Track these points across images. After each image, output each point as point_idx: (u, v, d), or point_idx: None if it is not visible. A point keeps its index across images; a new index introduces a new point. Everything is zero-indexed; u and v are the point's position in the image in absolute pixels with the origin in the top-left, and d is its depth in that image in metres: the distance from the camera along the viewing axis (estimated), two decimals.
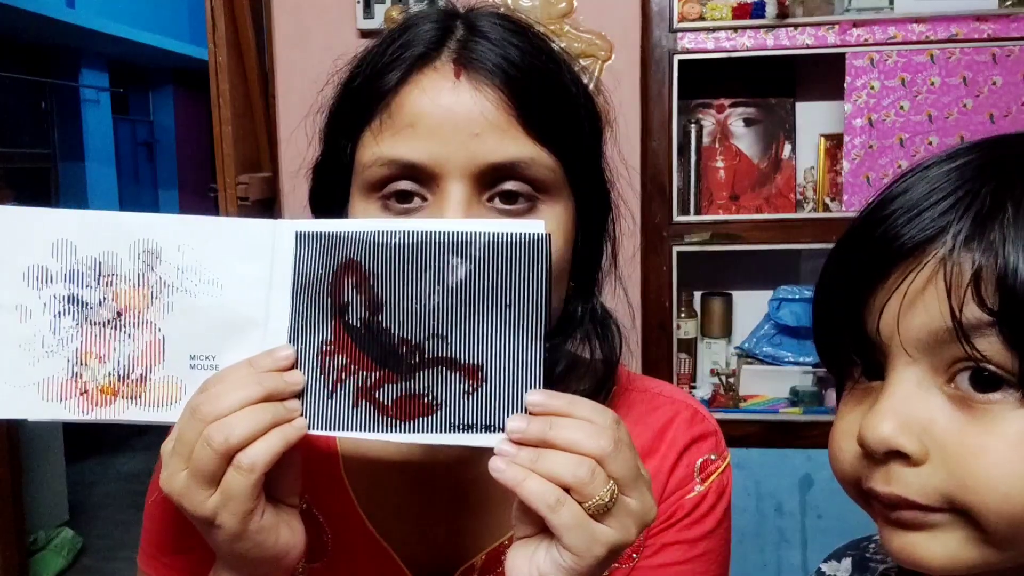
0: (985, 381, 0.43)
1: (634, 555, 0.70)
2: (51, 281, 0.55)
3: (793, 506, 1.96)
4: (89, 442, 4.64)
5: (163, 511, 0.71)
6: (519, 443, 0.51)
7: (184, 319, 0.56)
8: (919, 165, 0.49)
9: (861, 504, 0.52)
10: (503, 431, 0.52)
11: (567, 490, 0.49)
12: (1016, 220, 0.42)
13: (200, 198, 7.90)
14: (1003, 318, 0.42)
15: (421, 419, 0.54)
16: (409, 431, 0.54)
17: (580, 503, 0.49)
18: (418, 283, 0.54)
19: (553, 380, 0.69)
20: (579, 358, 0.72)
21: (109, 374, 0.56)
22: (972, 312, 0.42)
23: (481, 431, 0.53)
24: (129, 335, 0.56)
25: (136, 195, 7.91)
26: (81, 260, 0.55)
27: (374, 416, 0.55)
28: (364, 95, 0.63)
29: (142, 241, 0.56)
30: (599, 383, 0.71)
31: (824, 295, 0.52)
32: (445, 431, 0.54)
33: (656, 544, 0.70)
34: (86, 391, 0.56)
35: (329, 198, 0.68)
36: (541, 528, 0.51)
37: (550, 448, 0.50)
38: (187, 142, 8.29)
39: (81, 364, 0.56)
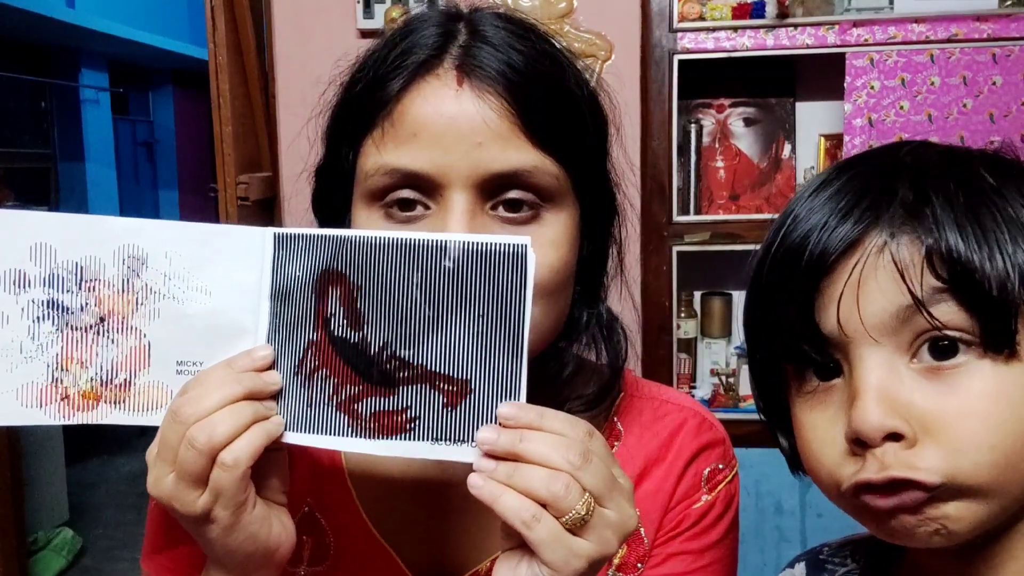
0: (943, 349, 0.48)
1: (639, 564, 0.69)
2: (29, 286, 0.54)
3: (793, 505, 1.96)
4: (89, 443, 4.63)
5: (164, 514, 0.70)
6: (491, 455, 0.51)
7: (171, 325, 0.56)
8: (810, 187, 0.55)
9: (847, 508, 0.52)
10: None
11: (544, 505, 0.49)
12: (943, 206, 0.48)
13: (200, 198, 7.90)
14: (955, 284, 0.47)
15: (400, 433, 0.54)
16: (386, 441, 0.54)
17: (557, 517, 0.49)
18: (399, 294, 0.53)
19: (560, 385, 0.69)
20: (585, 361, 0.72)
21: (91, 379, 0.56)
22: (928, 284, 0.47)
23: (456, 444, 0.53)
24: (113, 340, 0.56)
25: (136, 195, 7.91)
26: (61, 264, 0.54)
27: (352, 427, 0.54)
28: (366, 102, 0.62)
29: (127, 247, 0.55)
30: (604, 387, 0.70)
31: (758, 313, 0.57)
32: (424, 442, 0.54)
33: (662, 554, 0.69)
34: (67, 396, 0.56)
35: (332, 203, 0.67)
36: (523, 541, 0.51)
37: (521, 461, 0.50)
38: (187, 142, 8.29)
39: (62, 369, 0.55)
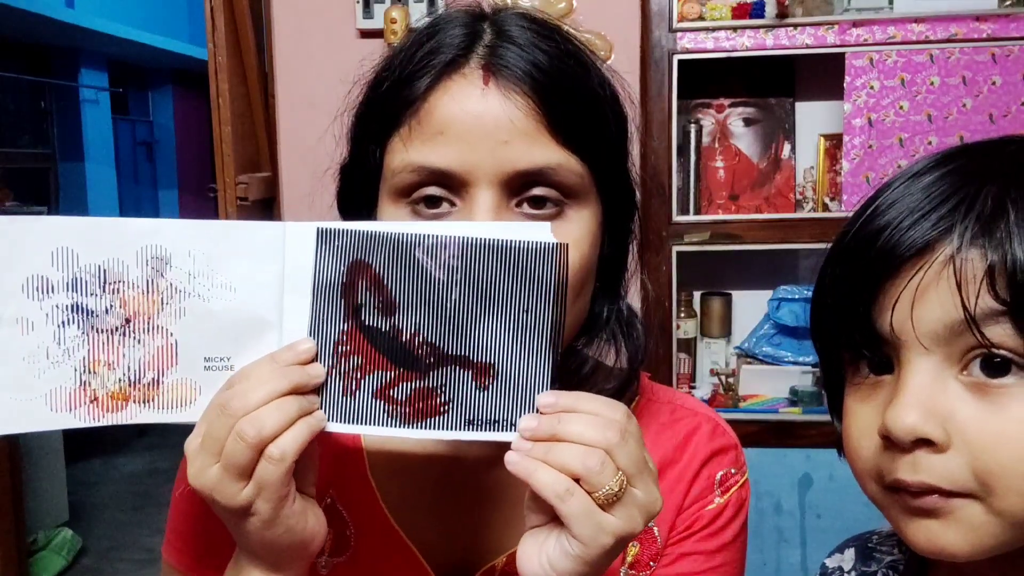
0: (996, 367, 0.47)
1: (651, 563, 0.70)
2: (52, 291, 0.54)
3: (792, 505, 1.96)
4: (89, 442, 4.64)
5: (190, 505, 0.72)
6: (531, 439, 0.53)
7: (197, 323, 0.56)
8: (904, 174, 0.52)
9: (878, 501, 0.53)
10: (514, 428, 0.55)
11: (577, 480, 0.51)
12: (1019, 221, 0.46)
13: (200, 198, 7.90)
14: (1015, 307, 0.45)
15: (434, 417, 0.56)
16: (423, 428, 0.56)
17: (589, 492, 0.51)
18: (432, 284, 0.55)
19: (578, 382, 0.70)
20: (602, 364, 0.73)
21: (119, 380, 0.56)
22: (985, 303, 0.46)
23: (493, 428, 0.55)
24: (139, 341, 0.56)
25: (136, 195, 7.91)
26: (83, 268, 0.54)
27: (389, 413, 0.56)
28: (393, 100, 0.63)
29: (150, 247, 0.55)
30: (625, 381, 0.71)
31: (825, 296, 0.55)
32: (458, 428, 0.56)
33: (674, 553, 0.70)
34: (96, 399, 0.56)
35: (357, 199, 0.68)
36: (551, 518, 0.53)
37: (560, 441, 0.52)
38: (187, 142, 8.29)
39: (89, 372, 0.56)
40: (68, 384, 0.55)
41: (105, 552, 3.54)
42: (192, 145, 8.25)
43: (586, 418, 0.52)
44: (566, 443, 0.52)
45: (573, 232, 0.63)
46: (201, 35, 2.12)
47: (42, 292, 0.54)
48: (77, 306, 0.55)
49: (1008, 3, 1.80)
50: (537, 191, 0.61)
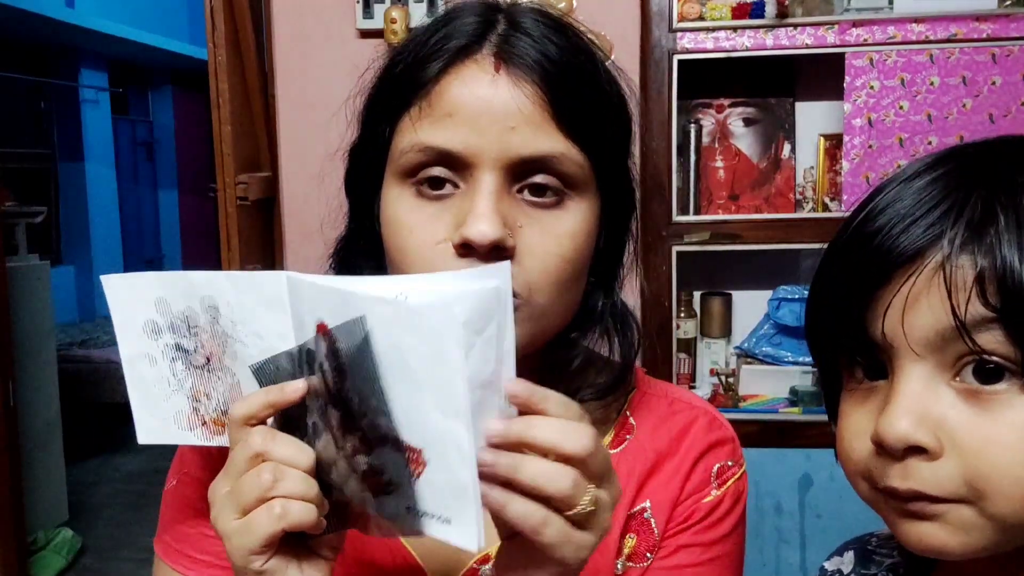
0: (988, 373, 0.46)
1: (648, 554, 0.70)
2: (160, 333, 0.62)
3: (792, 506, 1.96)
4: (89, 442, 4.64)
5: (179, 500, 0.72)
6: (498, 446, 0.48)
7: (245, 366, 0.58)
8: (899, 176, 0.52)
9: (870, 501, 0.53)
10: (449, 522, 0.48)
11: (550, 498, 0.48)
12: (1008, 226, 0.45)
13: (200, 198, 7.91)
14: (1005, 314, 0.45)
15: (383, 497, 0.50)
16: (379, 502, 0.51)
17: (563, 511, 0.48)
18: (361, 356, 0.47)
19: (569, 374, 0.69)
20: (596, 355, 0.73)
21: (216, 408, 0.62)
22: (975, 310, 0.45)
23: (437, 521, 0.48)
24: (219, 378, 0.61)
25: (136, 195, 7.92)
26: (175, 314, 0.61)
27: (359, 483, 0.51)
28: (405, 82, 0.64)
29: (206, 297, 0.59)
30: (616, 377, 0.71)
31: (820, 302, 0.55)
32: (400, 508, 0.49)
33: (671, 546, 0.71)
34: (205, 422, 0.63)
35: (363, 181, 0.69)
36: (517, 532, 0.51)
37: (528, 450, 0.48)
38: (187, 142, 8.30)
39: (196, 400, 0.63)
40: (185, 408, 0.63)
41: (105, 552, 3.53)
42: (192, 145, 8.25)
43: (557, 423, 0.49)
44: (534, 458, 0.48)
45: (570, 222, 0.63)
46: (201, 35, 2.12)
47: (155, 333, 0.62)
48: (178, 345, 0.62)
49: (1008, 3, 1.80)
50: (538, 178, 0.62)
